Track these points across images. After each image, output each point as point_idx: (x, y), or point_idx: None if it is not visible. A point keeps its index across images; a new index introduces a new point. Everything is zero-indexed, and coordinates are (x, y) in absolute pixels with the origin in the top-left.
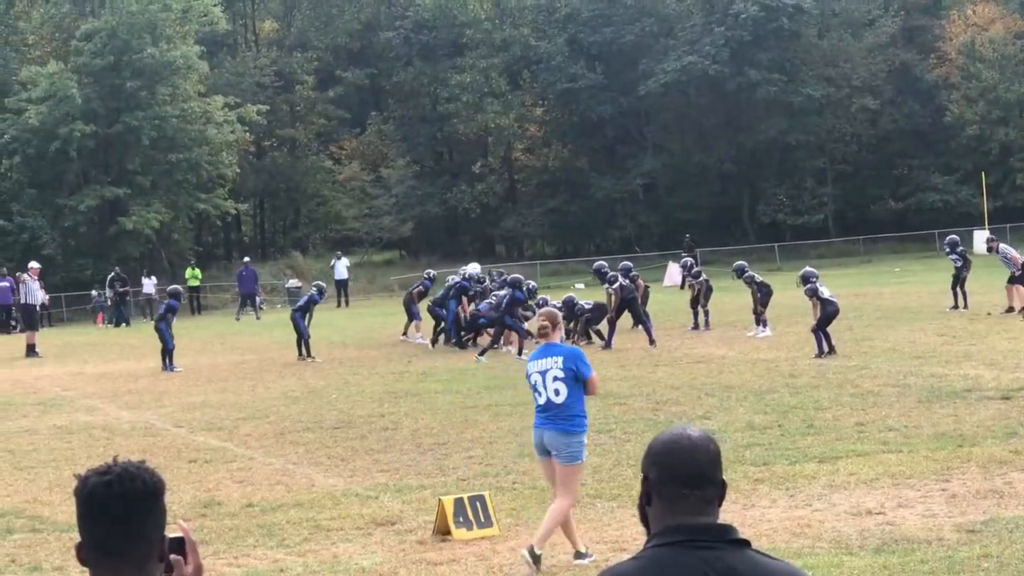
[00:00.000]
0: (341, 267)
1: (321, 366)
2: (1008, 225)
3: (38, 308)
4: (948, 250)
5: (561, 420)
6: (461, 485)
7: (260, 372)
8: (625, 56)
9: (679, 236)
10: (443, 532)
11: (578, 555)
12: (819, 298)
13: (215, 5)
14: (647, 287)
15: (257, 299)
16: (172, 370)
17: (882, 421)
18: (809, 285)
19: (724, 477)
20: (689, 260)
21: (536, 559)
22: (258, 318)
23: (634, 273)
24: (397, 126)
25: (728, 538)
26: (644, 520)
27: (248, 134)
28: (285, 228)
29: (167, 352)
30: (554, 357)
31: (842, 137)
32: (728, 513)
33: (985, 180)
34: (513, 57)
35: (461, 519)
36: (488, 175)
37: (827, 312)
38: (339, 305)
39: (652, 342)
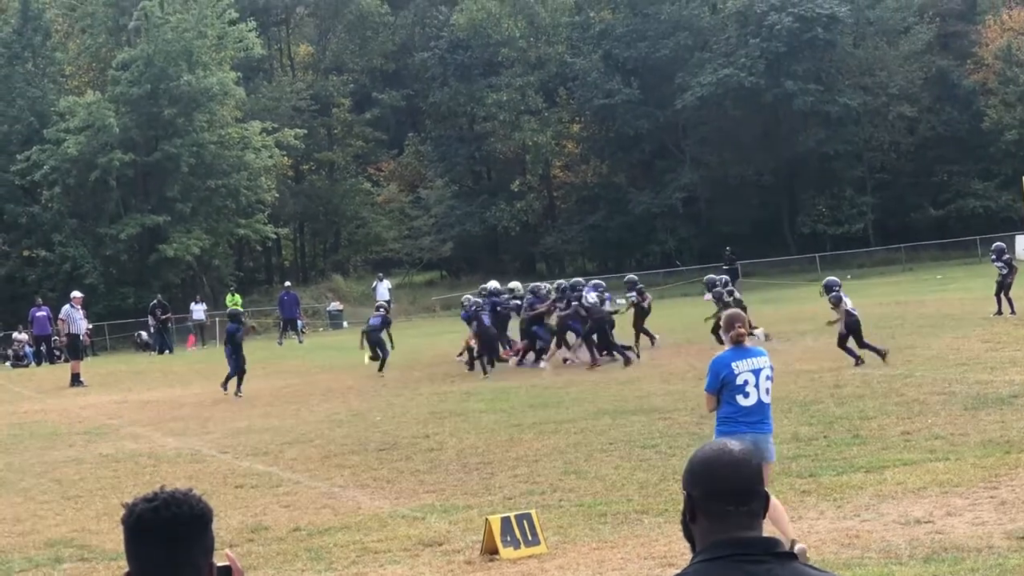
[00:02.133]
0: (383, 289)
1: (365, 389)
2: None
3: (81, 337)
4: (994, 257)
5: (768, 421)
6: (507, 504)
7: (304, 396)
8: (661, 71)
9: (719, 249)
10: (491, 551)
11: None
12: (843, 307)
13: (250, 31)
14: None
15: (299, 323)
16: (238, 396)
17: (928, 429)
18: (833, 293)
19: (769, 490)
20: (722, 278)
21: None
22: (301, 342)
23: (640, 286)
24: (434, 146)
25: (775, 551)
26: (688, 536)
27: (286, 158)
28: (325, 251)
29: (232, 376)
30: (762, 356)
31: (880, 146)
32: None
33: None
34: (549, 74)
35: (508, 538)
36: (527, 193)
37: (848, 323)
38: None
39: (593, 363)
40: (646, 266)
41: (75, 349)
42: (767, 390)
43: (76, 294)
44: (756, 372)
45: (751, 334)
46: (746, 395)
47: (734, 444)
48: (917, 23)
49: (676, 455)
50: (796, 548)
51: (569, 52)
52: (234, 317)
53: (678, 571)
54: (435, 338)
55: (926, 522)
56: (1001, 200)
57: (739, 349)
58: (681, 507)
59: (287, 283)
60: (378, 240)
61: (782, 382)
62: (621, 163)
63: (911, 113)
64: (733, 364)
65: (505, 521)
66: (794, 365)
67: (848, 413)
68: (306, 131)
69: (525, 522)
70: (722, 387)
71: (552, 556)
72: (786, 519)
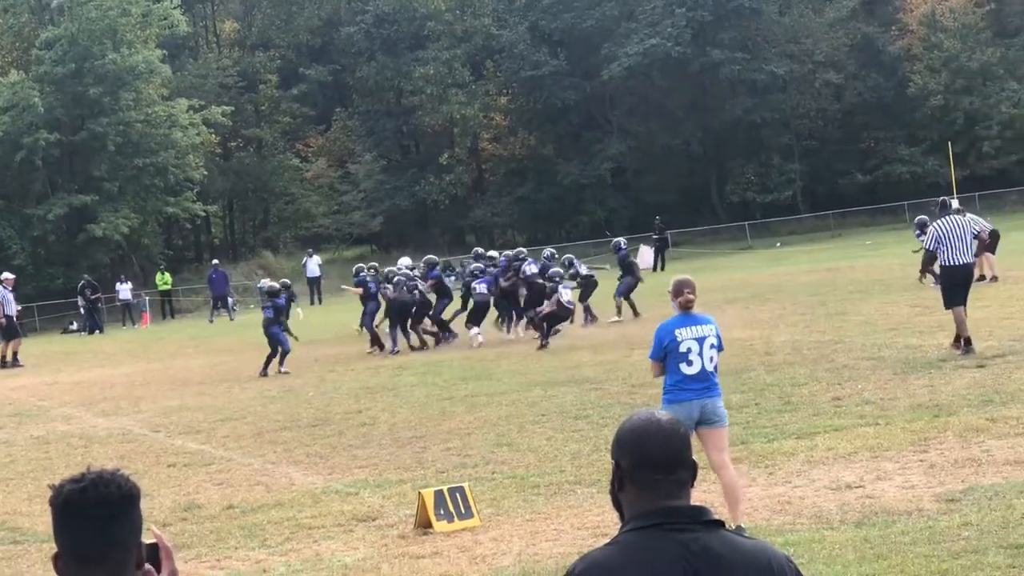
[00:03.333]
0: (313, 265)
1: (297, 364)
2: (976, 194)
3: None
4: (918, 231)
5: (715, 387)
6: (440, 477)
7: (236, 373)
8: (587, 41)
9: (649, 219)
10: (424, 525)
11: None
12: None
13: (175, 8)
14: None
15: (229, 300)
16: (283, 370)
17: (858, 395)
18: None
19: (696, 459)
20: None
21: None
22: (232, 319)
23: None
24: (362, 121)
25: (703, 519)
26: (617, 506)
27: (214, 136)
28: (255, 228)
29: (283, 354)
30: (708, 325)
31: (807, 113)
32: (709, 494)
33: (952, 150)
34: (475, 47)
35: (442, 511)
36: (455, 166)
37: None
38: (312, 303)
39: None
40: (575, 237)
41: (11, 330)
42: (711, 358)
43: (7, 275)
44: (700, 340)
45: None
46: (689, 363)
47: (662, 414)
48: None
49: (608, 425)
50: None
51: (495, 24)
52: (275, 293)
53: (607, 540)
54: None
55: (857, 487)
56: (928, 165)
57: (685, 316)
58: (610, 477)
59: (215, 261)
60: (308, 216)
61: None
62: (549, 134)
63: (837, 80)
64: (676, 331)
65: (438, 495)
66: (726, 333)
67: (779, 380)
68: (233, 108)
69: (458, 495)
70: (666, 355)
71: (486, 529)
72: (738, 503)
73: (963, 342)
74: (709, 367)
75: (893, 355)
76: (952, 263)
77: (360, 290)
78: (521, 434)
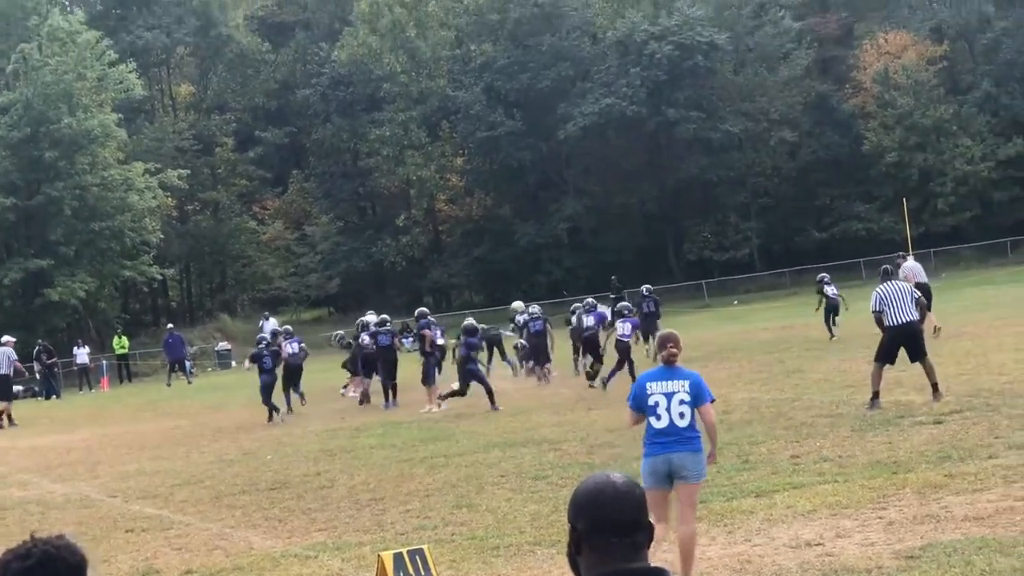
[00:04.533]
0: (269, 327)
1: (255, 428)
2: (932, 250)
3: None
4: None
5: (688, 441)
6: (400, 539)
7: (194, 437)
8: (543, 101)
9: (606, 278)
10: None
11: None
12: None
13: (131, 72)
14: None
15: (187, 363)
16: (495, 409)
17: (817, 452)
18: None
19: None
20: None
21: None
22: (189, 383)
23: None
24: (319, 183)
25: None
26: (575, 569)
27: (170, 199)
28: (212, 291)
29: (490, 393)
30: (681, 380)
31: (763, 171)
32: (668, 554)
33: (906, 206)
34: (431, 108)
35: (401, 574)
36: (412, 227)
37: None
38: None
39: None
40: (533, 297)
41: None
42: (681, 414)
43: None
44: (668, 395)
45: None
46: (658, 417)
47: (617, 476)
48: (796, 49)
49: (567, 486)
50: None
51: (451, 85)
52: (470, 331)
53: None
54: (323, 375)
55: (816, 544)
56: (883, 222)
57: (664, 370)
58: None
59: (170, 325)
60: (265, 278)
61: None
62: (505, 195)
63: (792, 138)
64: (648, 384)
65: (398, 557)
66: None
67: (737, 438)
68: (189, 171)
69: (418, 557)
70: (641, 408)
71: None
72: (689, 561)
73: (872, 395)
74: (680, 422)
75: (851, 412)
76: (896, 323)
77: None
78: (480, 495)
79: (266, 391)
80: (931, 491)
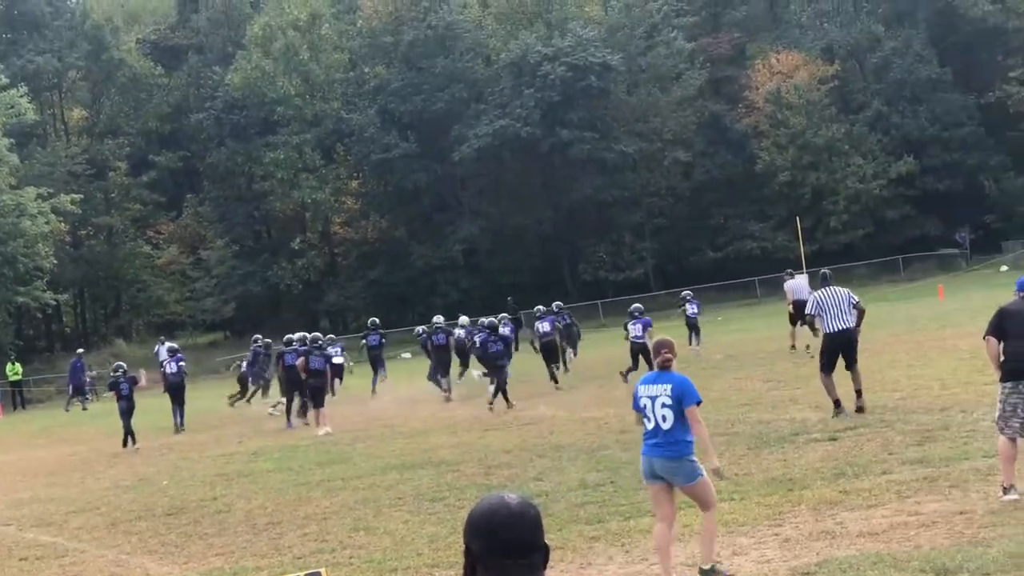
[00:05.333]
0: (165, 352)
1: (151, 453)
2: (825, 268)
3: None
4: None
5: (668, 446)
6: (297, 563)
7: (89, 463)
8: (437, 124)
9: (502, 300)
10: None
11: (702, 572)
12: None
13: (22, 96)
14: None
15: (86, 390)
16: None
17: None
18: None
19: (557, 539)
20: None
21: (715, 570)
22: (84, 408)
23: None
24: (213, 207)
25: None
26: None
27: (63, 224)
28: (107, 316)
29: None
30: (664, 384)
31: (657, 191)
32: (566, 573)
33: (800, 225)
34: (325, 131)
35: None
36: (308, 250)
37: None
38: (165, 391)
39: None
40: (429, 319)
41: None
42: (663, 417)
43: None
44: (652, 398)
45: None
46: (648, 419)
47: (512, 498)
48: (688, 69)
49: (464, 508)
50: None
51: (345, 108)
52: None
53: None
54: (220, 400)
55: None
56: (777, 241)
57: (657, 374)
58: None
59: (80, 351)
60: (160, 303)
61: (568, 429)
62: (401, 217)
63: (686, 158)
64: (641, 387)
65: None
66: (580, 412)
67: (634, 458)
68: (83, 196)
69: None
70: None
71: None
72: (707, 545)
73: (834, 403)
74: (663, 425)
75: (746, 430)
76: (832, 330)
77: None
78: (378, 518)
79: (125, 417)
80: (826, 507)
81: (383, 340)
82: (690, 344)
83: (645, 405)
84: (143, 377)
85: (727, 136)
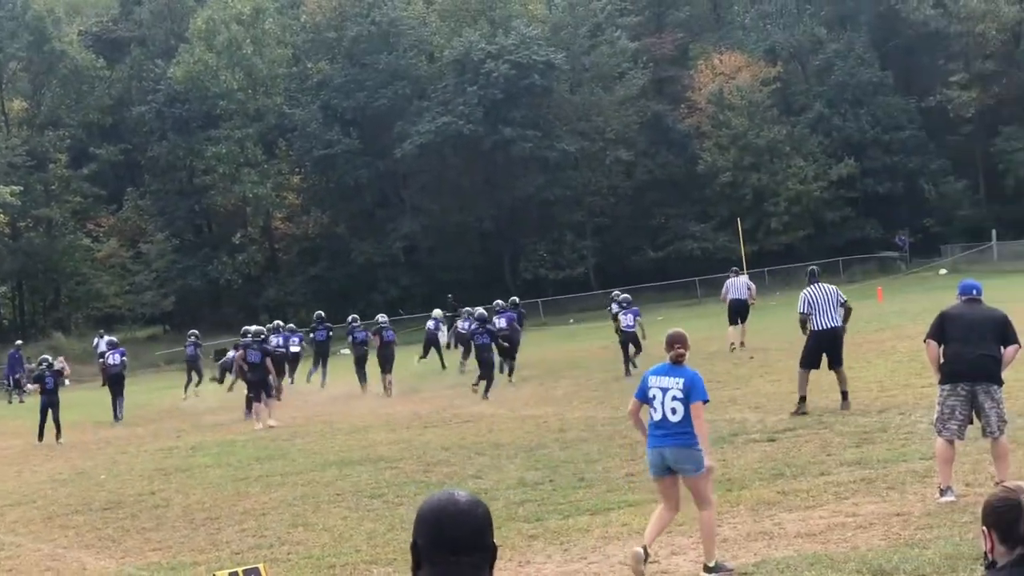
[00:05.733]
0: (104, 345)
1: (88, 447)
2: (766, 269)
3: None
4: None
5: (679, 435)
6: (235, 559)
7: (26, 456)
8: (380, 120)
9: (442, 297)
10: None
11: (706, 568)
12: None
13: None
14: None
15: (24, 382)
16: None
17: None
18: None
19: (496, 537)
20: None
21: (718, 567)
22: (21, 401)
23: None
24: (154, 201)
25: None
26: None
27: (2, 216)
28: (45, 309)
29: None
30: (677, 378)
31: (599, 190)
32: (504, 571)
33: (741, 226)
34: (268, 126)
35: None
36: (248, 245)
37: None
38: (104, 384)
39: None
40: (369, 316)
41: None
42: (673, 409)
43: None
44: (664, 390)
45: None
46: (655, 409)
47: (461, 495)
48: (631, 68)
49: (403, 504)
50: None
51: (288, 103)
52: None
53: None
54: (159, 393)
55: (651, 562)
56: (718, 241)
57: (668, 367)
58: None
59: (19, 342)
60: (99, 296)
61: (507, 427)
62: (342, 213)
63: (628, 157)
64: (650, 378)
65: None
66: (519, 410)
67: (573, 457)
68: (22, 188)
69: None
70: (645, 398)
71: None
72: (708, 543)
73: (800, 399)
74: (672, 418)
75: None
76: (820, 327)
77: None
78: (316, 514)
79: (44, 411)
80: (765, 508)
81: (331, 334)
82: (626, 361)
83: (655, 396)
84: (66, 367)
85: (669, 136)
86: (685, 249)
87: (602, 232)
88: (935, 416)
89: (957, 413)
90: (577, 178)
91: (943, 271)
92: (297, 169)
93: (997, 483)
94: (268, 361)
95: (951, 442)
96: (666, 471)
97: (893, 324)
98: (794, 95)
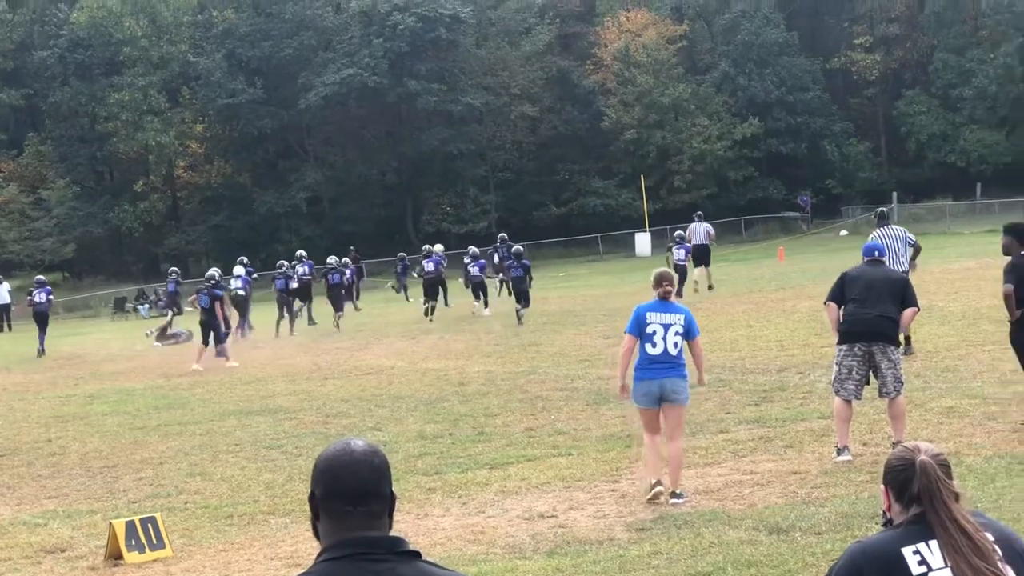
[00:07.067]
0: (3, 291)
1: None
2: (668, 227)
3: None
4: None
5: (679, 367)
6: (132, 507)
7: None
8: (285, 70)
9: (344, 248)
10: (115, 556)
11: (674, 495)
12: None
13: None
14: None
15: None
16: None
17: (551, 425)
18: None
19: (395, 488)
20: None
21: (680, 495)
22: None
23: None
24: (55, 146)
25: (397, 550)
26: (316, 535)
27: None
28: None
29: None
30: (678, 314)
31: (503, 145)
32: (402, 524)
33: (644, 183)
34: (172, 74)
35: (133, 542)
36: (151, 193)
37: None
38: (1, 330)
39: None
40: (271, 265)
41: None
42: (675, 343)
43: None
44: (666, 326)
45: None
46: (654, 344)
47: (358, 444)
48: (538, 24)
49: (302, 455)
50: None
51: (192, 51)
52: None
53: (303, 571)
54: (57, 340)
55: (550, 516)
56: (621, 198)
57: (660, 303)
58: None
59: None
60: None
61: (407, 380)
62: (245, 163)
63: (533, 113)
64: (648, 314)
65: (130, 525)
66: (420, 363)
67: (473, 410)
68: None
69: (150, 526)
70: (640, 333)
71: (178, 560)
72: (676, 472)
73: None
74: (673, 351)
75: (585, 386)
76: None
77: None
78: (214, 464)
79: None
80: (662, 464)
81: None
82: (476, 302)
83: (655, 331)
84: None
85: (574, 92)
86: (588, 205)
87: (505, 187)
88: (832, 376)
89: (854, 373)
90: (481, 132)
91: (844, 232)
92: (200, 118)
93: (894, 444)
94: (218, 306)
95: (848, 402)
96: (657, 402)
97: (794, 284)
98: (699, 54)
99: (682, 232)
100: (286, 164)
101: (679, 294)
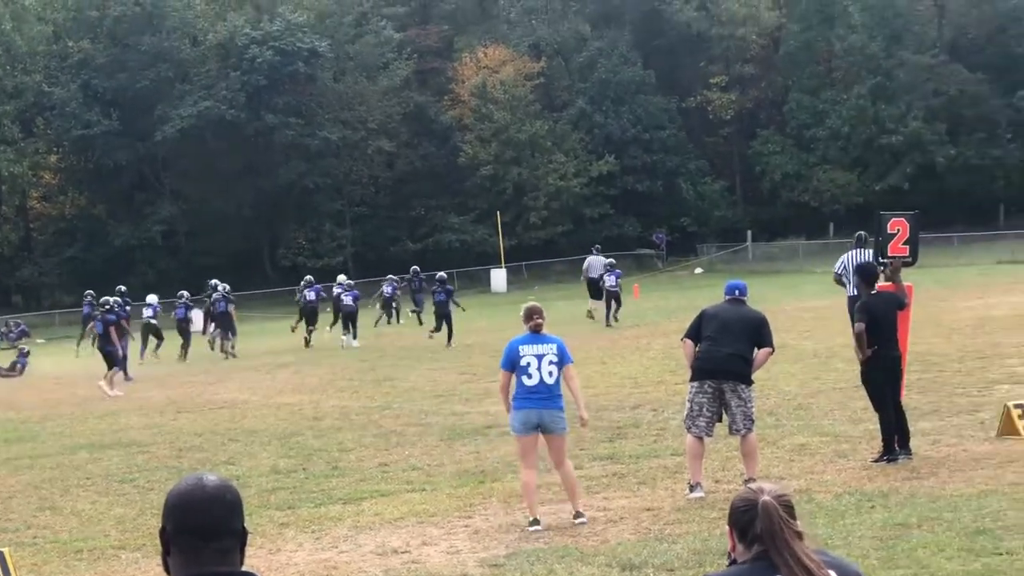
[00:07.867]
0: None
1: None
2: (524, 263)
3: None
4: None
5: (554, 399)
6: None
7: None
8: (141, 102)
9: (201, 281)
10: None
11: (577, 515)
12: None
13: None
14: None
15: None
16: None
17: (405, 460)
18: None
19: (247, 524)
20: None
21: (582, 515)
22: None
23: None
24: None
25: None
26: (167, 570)
27: None
28: None
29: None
30: (549, 344)
31: (359, 179)
32: (255, 558)
33: (500, 219)
34: (26, 103)
35: None
36: (2, 224)
37: None
38: None
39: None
40: (133, 298)
41: None
42: (550, 373)
43: None
44: (539, 357)
45: None
46: (529, 376)
47: (210, 479)
48: (396, 59)
49: (155, 489)
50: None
51: (47, 81)
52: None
53: None
54: None
55: (403, 552)
56: (477, 234)
57: (532, 336)
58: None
59: None
60: None
61: (261, 414)
62: (100, 195)
63: (390, 148)
64: (520, 348)
65: None
66: (274, 398)
67: (327, 445)
68: None
69: None
70: (513, 368)
71: None
72: (575, 495)
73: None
74: (549, 380)
75: (440, 422)
76: (853, 293)
77: None
78: (65, 498)
79: None
80: (516, 500)
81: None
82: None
83: (528, 363)
84: None
85: (432, 128)
86: (444, 241)
87: (362, 221)
88: (685, 413)
89: (705, 410)
90: (338, 167)
91: (699, 270)
92: (55, 148)
93: (745, 480)
94: (112, 331)
95: (700, 439)
96: (535, 430)
97: (649, 321)
98: (557, 91)
99: (613, 260)
100: (142, 196)
101: (615, 318)
